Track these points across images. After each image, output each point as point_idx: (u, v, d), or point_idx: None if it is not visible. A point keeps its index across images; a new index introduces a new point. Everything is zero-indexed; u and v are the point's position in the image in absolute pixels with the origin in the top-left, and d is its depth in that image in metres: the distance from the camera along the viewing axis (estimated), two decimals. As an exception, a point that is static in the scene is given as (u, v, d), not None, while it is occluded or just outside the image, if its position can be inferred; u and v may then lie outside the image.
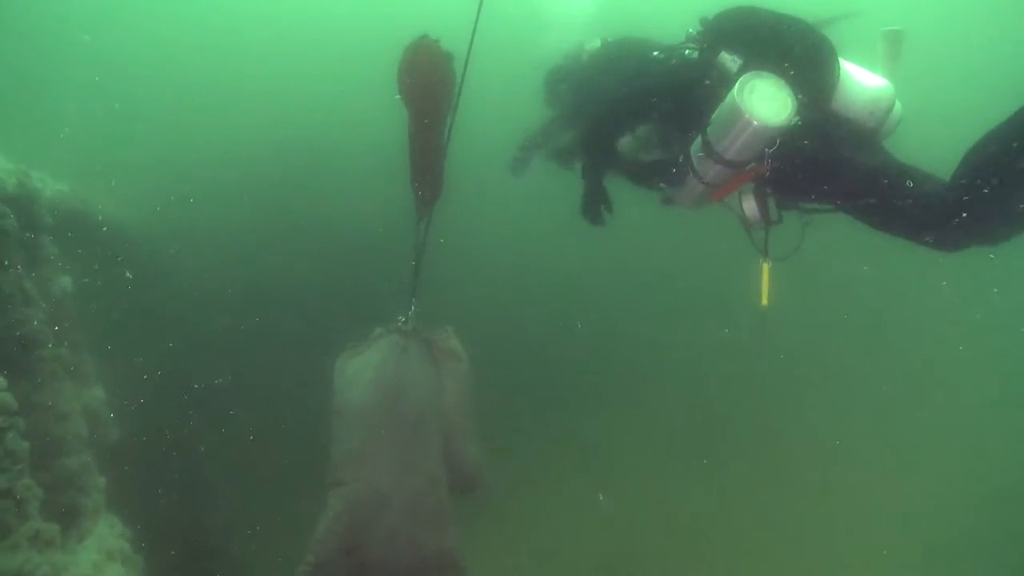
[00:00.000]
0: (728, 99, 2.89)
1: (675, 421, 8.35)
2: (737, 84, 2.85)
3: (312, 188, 8.88)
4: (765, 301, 3.21)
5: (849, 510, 7.66)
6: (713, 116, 2.98)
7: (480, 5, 2.95)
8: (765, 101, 2.85)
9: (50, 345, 5.18)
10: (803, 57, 3.01)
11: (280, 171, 8.93)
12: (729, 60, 3.13)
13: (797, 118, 2.87)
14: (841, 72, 3.09)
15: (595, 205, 3.72)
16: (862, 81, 3.13)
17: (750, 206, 3.22)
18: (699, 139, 3.07)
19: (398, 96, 3.06)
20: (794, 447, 8.23)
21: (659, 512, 7.47)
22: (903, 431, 8.45)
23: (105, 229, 7.02)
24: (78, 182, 7.09)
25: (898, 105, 3.21)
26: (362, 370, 3.23)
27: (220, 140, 9.61)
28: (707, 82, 3.15)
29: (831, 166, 3.00)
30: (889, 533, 7.52)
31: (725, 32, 3.20)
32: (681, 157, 3.23)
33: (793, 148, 2.96)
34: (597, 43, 4.36)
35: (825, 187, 3.07)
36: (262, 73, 11.49)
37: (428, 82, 2.98)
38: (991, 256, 3.02)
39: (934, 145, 3.50)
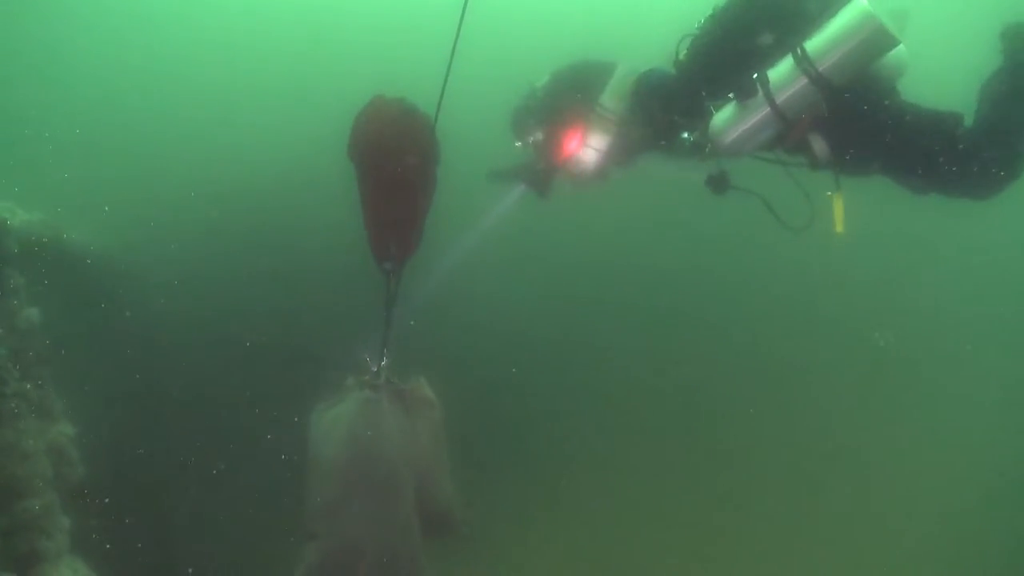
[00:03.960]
0: (852, 12, 3.05)
1: (665, 450, 8.25)
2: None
3: (287, 220, 8.78)
4: (840, 228, 3.42)
5: (849, 511, 7.62)
6: (821, 32, 3.12)
7: (451, 63, 2.92)
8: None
9: (14, 381, 5.02)
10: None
11: (254, 201, 8.83)
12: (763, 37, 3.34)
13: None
14: None
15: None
16: None
17: (820, 146, 3.35)
18: (788, 59, 3.18)
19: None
20: (791, 449, 8.16)
21: (649, 547, 7.36)
22: (903, 431, 8.42)
23: (76, 259, 6.87)
24: (50, 211, 6.96)
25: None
26: (334, 425, 3.29)
27: (195, 172, 9.51)
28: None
29: (885, 114, 3.24)
30: (889, 535, 7.48)
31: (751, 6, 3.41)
32: (755, 75, 3.29)
33: (847, 102, 3.18)
34: (545, 78, 4.75)
35: (882, 136, 3.24)
36: (238, 105, 11.41)
37: (380, 143, 2.84)
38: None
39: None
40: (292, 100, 11.14)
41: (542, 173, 4.74)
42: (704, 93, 3.60)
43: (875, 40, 3.05)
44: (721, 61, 3.50)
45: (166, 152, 9.93)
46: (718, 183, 3.74)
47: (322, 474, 3.25)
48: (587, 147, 4.57)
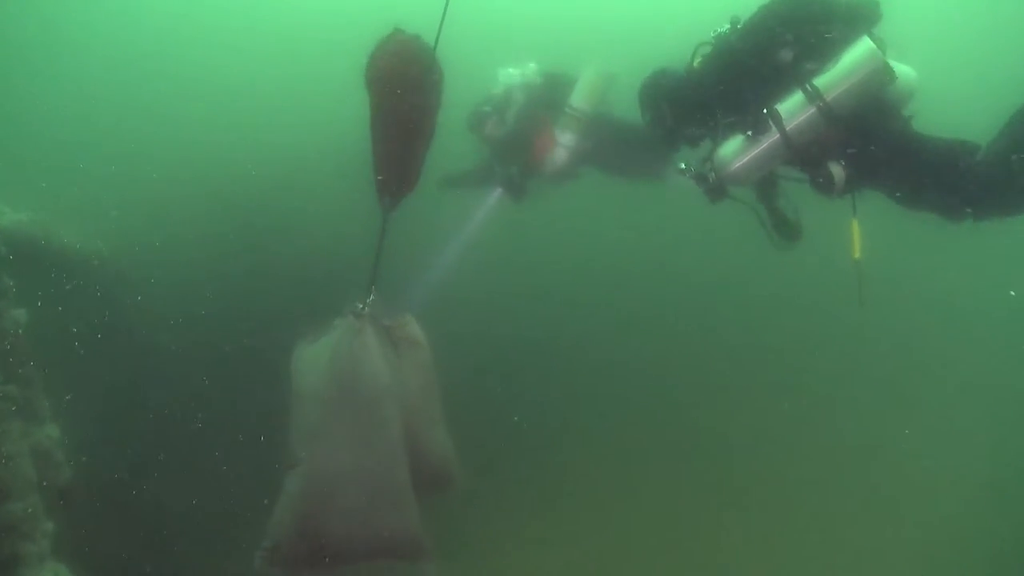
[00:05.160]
0: (860, 50, 3.41)
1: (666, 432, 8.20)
2: (866, 39, 3.43)
3: (281, 222, 8.74)
4: (857, 254, 3.68)
5: (849, 512, 7.61)
6: (830, 70, 3.44)
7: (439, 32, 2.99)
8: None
9: (-2, 383, 4.96)
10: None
11: (247, 203, 8.78)
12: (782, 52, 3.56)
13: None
14: None
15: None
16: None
17: (838, 171, 3.56)
18: (798, 95, 3.46)
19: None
20: (789, 450, 8.12)
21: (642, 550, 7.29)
22: (902, 432, 8.40)
23: (65, 260, 6.81)
24: (40, 211, 6.91)
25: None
26: (318, 354, 3.22)
27: (187, 173, 9.46)
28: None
29: (901, 139, 3.51)
30: (888, 535, 7.44)
31: (773, 25, 3.57)
32: (765, 110, 3.52)
33: (866, 125, 3.49)
34: (502, 86, 5.32)
35: (898, 160, 3.50)
36: (232, 104, 11.39)
37: (396, 72, 2.92)
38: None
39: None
40: (285, 101, 11.13)
41: (517, 176, 5.11)
42: (719, 109, 3.70)
43: (877, 75, 3.39)
44: (738, 73, 3.63)
45: (157, 152, 9.89)
46: (715, 192, 3.79)
47: (304, 402, 3.15)
48: (560, 146, 4.91)
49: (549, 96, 5.27)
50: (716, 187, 3.80)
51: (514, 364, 8.31)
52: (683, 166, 3.90)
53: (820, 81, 3.44)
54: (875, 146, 3.52)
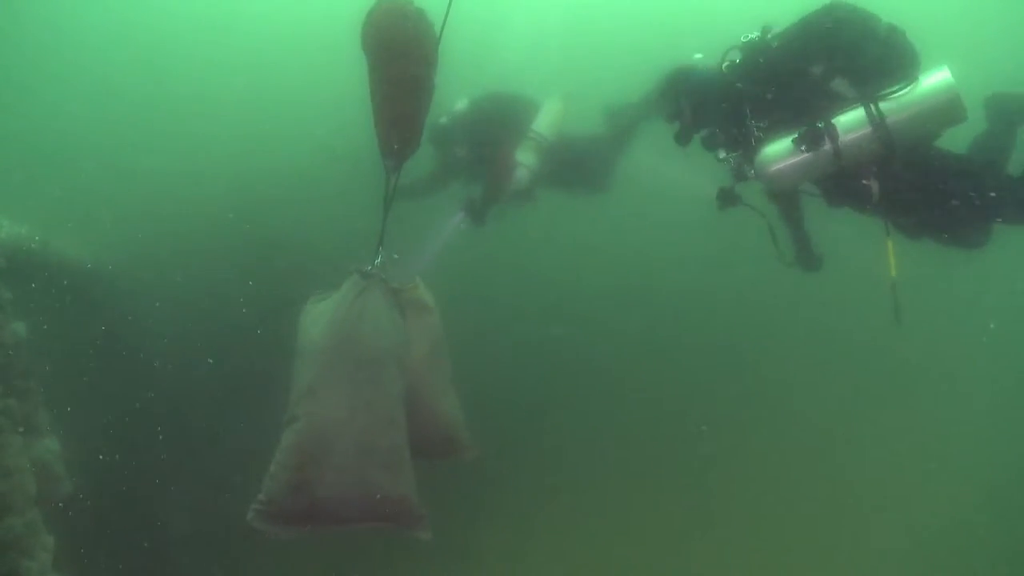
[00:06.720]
0: (937, 83, 3.28)
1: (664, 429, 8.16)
2: (945, 70, 3.29)
3: (282, 232, 8.71)
4: (894, 272, 3.55)
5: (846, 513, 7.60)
6: (898, 95, 3.31)
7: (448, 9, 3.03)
8: None
9: (-3, 397, 4.92)
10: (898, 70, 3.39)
11: (248, 212, 8.76)
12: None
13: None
14: None
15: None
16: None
17: (875, 186, 3.48)
18: (860, 110, 3.36)
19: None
20: (789, 448, 8.09)
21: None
22: (902, 430, 8.35)
23: (64, 272, 6.80)
24: (38, 223, 6.89)
25: None
26: (324, 310, 3.23)
27: (188, 183, 9.44)
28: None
29: (944, 164, 3.46)
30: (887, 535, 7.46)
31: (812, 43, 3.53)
32: (821, 124, 3.40)
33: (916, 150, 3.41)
34: (465, 102, 5.45)
35: (937, 186, 3.43)
36: (231, 112, 11.38)
37: (392, 33, 2.98)
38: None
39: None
40: (284, 107, 11.12)
41: (479, 202, 5.32)
42: (748, 111, 3.61)
43: (950, 110, 3.27)
44: (770, 78, 3.58)
45: (157, 162, 9.87)
46: (728, 198, 3.76)
47: (305, 357, 3.14)
48: (522, 166, 5.10)
49: (510, 118, 5.44)
50: (729, 194, 3.76)
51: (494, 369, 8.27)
52: (722, 155, 3.80)
53: (886, 103, 3.33)
54: (906, 165, 3.42)
